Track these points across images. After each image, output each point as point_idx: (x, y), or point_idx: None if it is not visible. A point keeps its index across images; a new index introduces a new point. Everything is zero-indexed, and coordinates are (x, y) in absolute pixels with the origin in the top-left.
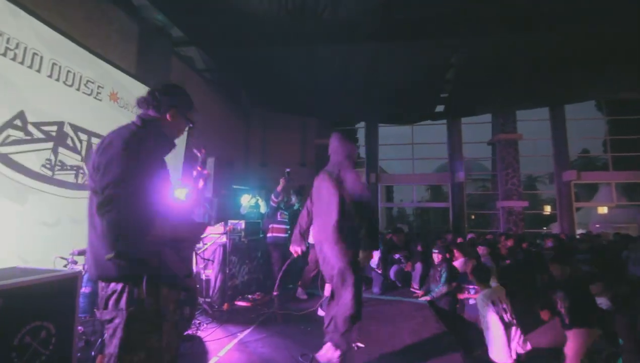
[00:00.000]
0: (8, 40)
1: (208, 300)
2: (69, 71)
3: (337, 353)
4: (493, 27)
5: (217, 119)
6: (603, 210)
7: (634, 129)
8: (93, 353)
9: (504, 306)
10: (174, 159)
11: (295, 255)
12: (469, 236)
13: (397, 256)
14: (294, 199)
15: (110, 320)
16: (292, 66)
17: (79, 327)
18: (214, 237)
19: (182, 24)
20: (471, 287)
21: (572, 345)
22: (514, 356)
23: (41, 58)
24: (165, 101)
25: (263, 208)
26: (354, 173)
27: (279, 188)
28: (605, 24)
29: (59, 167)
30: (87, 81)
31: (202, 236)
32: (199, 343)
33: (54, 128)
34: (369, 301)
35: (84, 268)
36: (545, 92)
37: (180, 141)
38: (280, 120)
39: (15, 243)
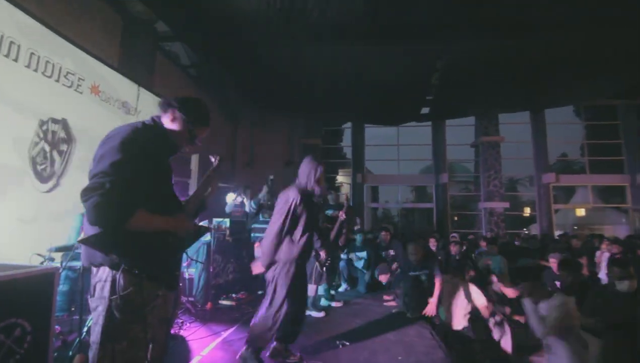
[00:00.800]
0: None
1: (191, 299)
2: (47, 61)
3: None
4: (476, 32)
5: None
6: (580, 212)
7: (610, 134)
8: (71, 352)
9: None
10: None
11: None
12: (452, 235)
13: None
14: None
15: (95, 308)
16: (279, 65)
17: (56, 326)
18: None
19: (167, 19)
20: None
21: None
22: None
23: (18, 47)
24: (174, 105)
25: (248, 207)
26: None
27: (260, 195)
28: (585, 32)
29: (40, 161)
30: (67, 73)
31: (192, 238)
32: (181, 342)
33: (35, 121)
34: (355, 300)
35: (61, 265)
36: (526, 97)
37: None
38: (267, 118)
39: None
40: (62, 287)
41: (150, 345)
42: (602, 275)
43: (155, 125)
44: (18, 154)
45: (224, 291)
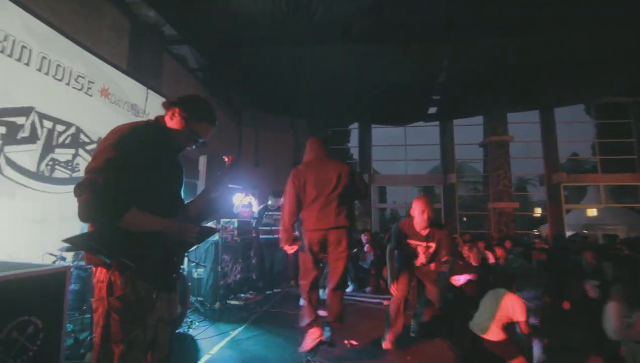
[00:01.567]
0: None
1: (200, 298)
2: (58, 65)
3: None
4: (482, 31)
5: None
6: (592, 212)
7: (622, 132)
8: (82, 350)
9: None
10: None
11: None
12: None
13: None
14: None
15: (95, 310)
16: (285, 67)
17: (68, 325)
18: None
19: (174, 22)
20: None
21: None
22: None
23: (30, 51)
24: (174, 103)
25: (255, 208)
26: None
27: (277, 204)
28: (592, 30)
29: (51, 163)
30: (78, 76)
31: (196, 239)
32: (190, 341)
33: (50, 124)
34: (362, 301)
35: (73, 265)
36: (535, 95)
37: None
38: (273, 120)
39: (3, 239)
40: (73, 286)
41: (152, 347)
42: None
43: (156, 124)
44: (29, 157)
45: (232, 291)
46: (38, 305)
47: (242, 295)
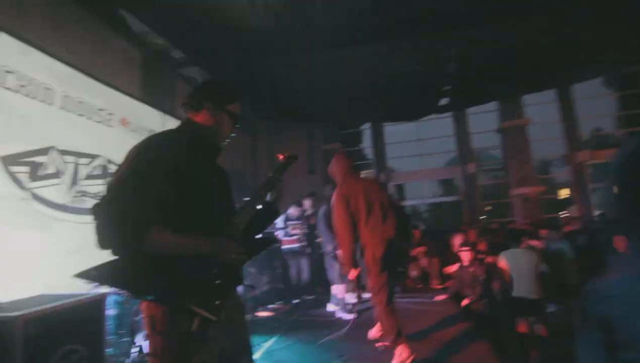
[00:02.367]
0: (21, 77)
1: None
2: (80, 102)
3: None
4: (490, 16)
5: None
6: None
7: None
8: None
9: None
10: None
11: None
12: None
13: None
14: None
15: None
16: (293, 75)
17: (108, 349)
18: None
19: (182, 46)
20: None
21: None
22: None
23: (53, 92)
24: (199, 98)
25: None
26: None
27: (296, 213)
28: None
29: (79, 195)
30: (98, 109)
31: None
32: None
33: (72, 158)
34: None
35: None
36: (549, 75)
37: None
38: (286, 129)
39: (40, 272)
40: (111, 311)
41: None
42: None
43: (187, 129)
44: (55, 191)
45: (260, 302)
46: (80, 333)
47: (270, 305)
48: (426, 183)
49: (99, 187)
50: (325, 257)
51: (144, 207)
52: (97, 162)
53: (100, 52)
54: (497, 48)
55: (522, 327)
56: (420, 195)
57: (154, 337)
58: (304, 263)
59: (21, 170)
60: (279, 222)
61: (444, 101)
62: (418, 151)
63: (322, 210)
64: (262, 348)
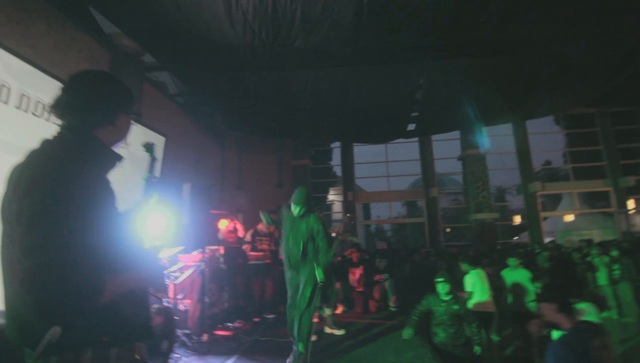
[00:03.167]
0: None
1: (186, 331)
2: (38, 102)
3: None
4: (454, 53)
5: (192, 144)
6: (569, 218)
7: (590, 140)
8: None
9: None
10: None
11: None
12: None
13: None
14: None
15: None
16: (265, 90)
17: None
18: (191, 264)
19: (154, 51)
20: None
21: None
22: None
23: (9, 90)
24: (104, 103)
25: (241, 233)
26: None
27: (266, 228)
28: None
29: None
30: None
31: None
32: None
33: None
34: (354, 322)
35: None
36: (506, 110)
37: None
38: (256, 142)
39: None
40: None
41: None
42: None
43: (78, 137)
44: None
45: (219, 321)
46: None
47: (229, 324)
48: (392, 204)
49: None
50: None
51: (96, 267)
52: None
53: (64, 50)
54: (462, 82)
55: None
56: (386, 215)
57: None
58: (268, 281)
59: None
60: (247, 236)
61: (411, 126)
62: (384, 172)
63: None
64: None
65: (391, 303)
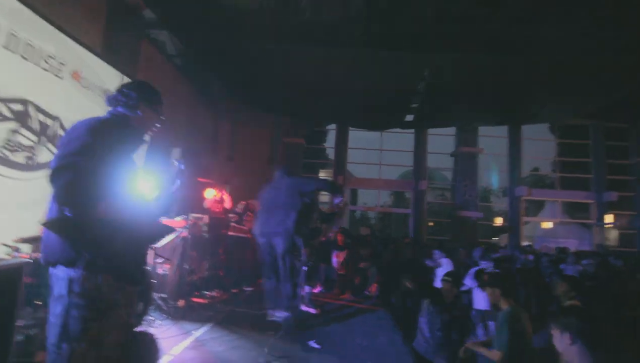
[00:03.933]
0: None
1: (163, 295)
2: (28, 44)
3: None
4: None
5: (185, 108)
6: (547, 225)
7: (580, 152)
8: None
9: None
10: None
11: None
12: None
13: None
14: None
15: (54, 309)
16: (268, 62)
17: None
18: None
19: (155, 7)
20: None
21: None
22: None
23: None
24: (133, 96)
25: (228, 204)
26: None
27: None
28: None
29: (15, 148)
30: (48, 56)
31: (160, 237)
32: (150, 340)
33: (17, 106)
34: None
35: (30, 257)
36: (506, 112)
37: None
38: (251, 115)
39: None
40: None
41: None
42: None
43: (115, 119)
44: None
45: (197, 288)
46: None
47: (207, 292)
48: (380, 192)
49: (31, 142)
50: None
51: (100, 184)
52: (38, 114)
53: None
54: (466, 78)
55: None
56: (373, 203)
57: (72, 297)
58: (249, 253)
59: None
60: (239, 206)
61: (409, 117)
62: (377, 160)
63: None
64: (192, 337)
65: (369, 291)
